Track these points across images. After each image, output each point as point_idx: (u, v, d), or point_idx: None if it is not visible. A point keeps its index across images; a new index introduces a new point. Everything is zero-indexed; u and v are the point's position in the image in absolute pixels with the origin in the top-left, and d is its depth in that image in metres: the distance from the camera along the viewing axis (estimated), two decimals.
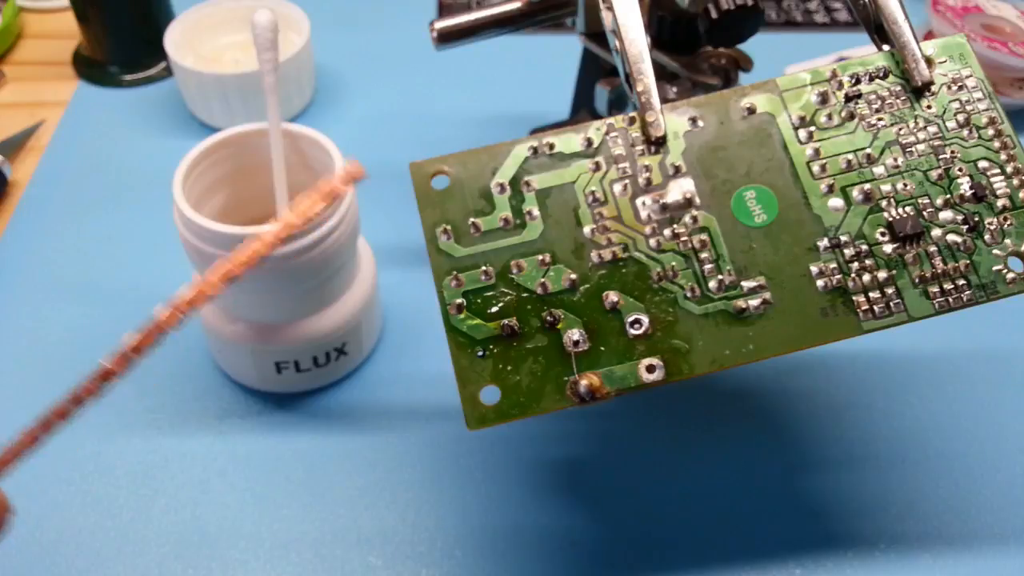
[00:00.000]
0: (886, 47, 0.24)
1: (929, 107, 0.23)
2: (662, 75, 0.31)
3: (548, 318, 0.21)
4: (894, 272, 0.21)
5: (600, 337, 0.21)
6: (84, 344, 0.33)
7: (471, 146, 0.22)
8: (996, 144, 0.22)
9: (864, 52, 0.24)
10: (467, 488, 0.29)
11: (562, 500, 0.29)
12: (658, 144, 0.22)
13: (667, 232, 0.22)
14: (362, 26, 0.51)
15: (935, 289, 0.21)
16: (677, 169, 0.22)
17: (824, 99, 0.23)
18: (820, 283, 0.21)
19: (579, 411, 0.22)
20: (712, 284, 0.21)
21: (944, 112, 0.23)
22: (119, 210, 0.39)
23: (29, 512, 0.28)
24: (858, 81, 0.23)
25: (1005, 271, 0.21)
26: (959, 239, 0.22)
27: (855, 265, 0.21)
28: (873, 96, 0.23)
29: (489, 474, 0.30)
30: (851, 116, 0.23)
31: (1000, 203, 0.22)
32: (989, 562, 0.28)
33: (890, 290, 0.21)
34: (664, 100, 0.23)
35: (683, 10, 0.29)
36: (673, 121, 0.23)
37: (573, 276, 0.21)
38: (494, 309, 0.21)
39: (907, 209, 0.22)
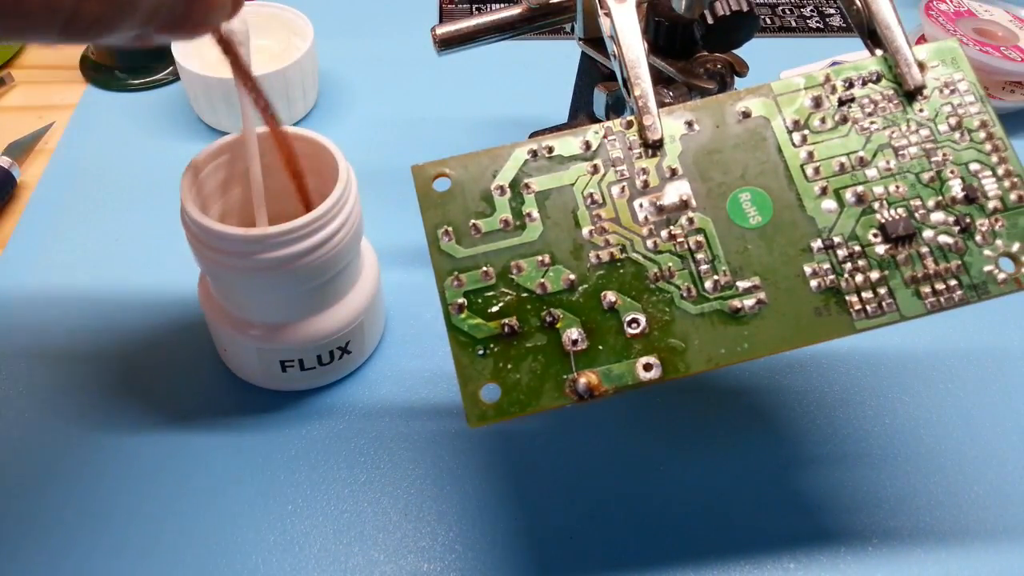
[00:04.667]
0: (879, 52, 0.24)
1: (921, 110, 0.23)
2: (659, 79, 0.31)
3: (547, 317, 0.21)
4: (886, 272, 0.22)
5: (598, 336, 0.21)
6: (91, 345, 0.34)
7: (472, 149, 0.23)
8: (988, 147, 0.23)
9: (858, 57, 0.24)
10: (468, 484, 0.30)
11: (560, 496, 0.29)
12: (655, 147, 0.23)
13: (664, 233, 0.22)
14: (365, 32, 0.51)
15: (927, 289, 0.22)
16: (674, 172, 0.23)
17: (818, 103, 0.23)
18: (814, 283, 0.22)
19: (577, 409, 0.22)
20: (708, 284, 0.22)
21: (936, 115, 0.23)
22: (126, 212, 0.39)
23: (32, 508, 0.29)
24: (851, 85, 0.23)
25: (996, 271, 0.22)
26: (951, 240, 0.22)
27: (848, 266, 0.22)
28: (866, 100, 0.23)
29: (489, 470, 0.30)
30: (844, 120, 0.23)
31: (991, 205, 0.22)
32: (979, 556, 0.28)
33: (882, 290, 0.22)
34: (661, 104, 0.23)
35: (679, 16, 0.29)
36: (670, 125, 0.23)
37: (572, 276, 0.22)
38: (494, 309, 0.22)
39: (899, 211, 0.22)
